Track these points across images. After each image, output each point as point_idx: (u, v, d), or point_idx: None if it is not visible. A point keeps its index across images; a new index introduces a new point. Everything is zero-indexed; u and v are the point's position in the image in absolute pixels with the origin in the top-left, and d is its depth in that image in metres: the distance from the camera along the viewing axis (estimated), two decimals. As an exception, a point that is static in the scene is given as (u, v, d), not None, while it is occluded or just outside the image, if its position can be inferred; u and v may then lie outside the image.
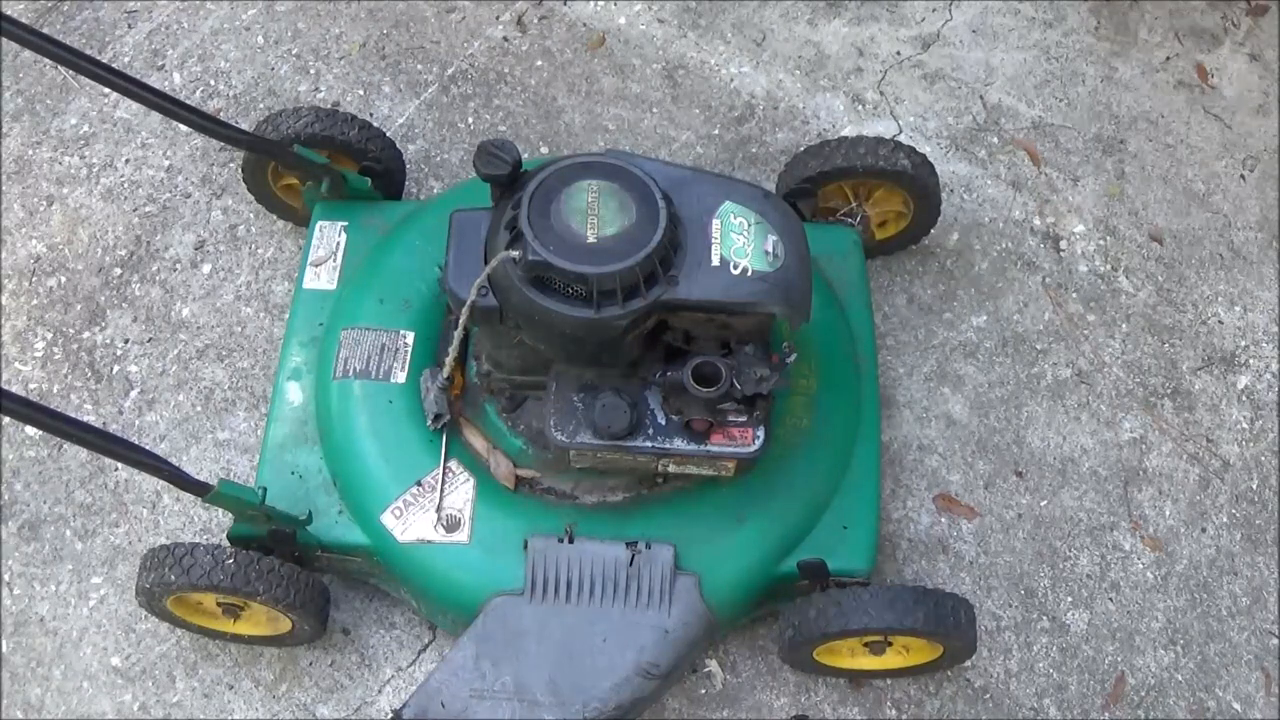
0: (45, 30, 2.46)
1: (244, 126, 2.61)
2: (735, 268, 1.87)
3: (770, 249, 1.89)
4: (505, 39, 3.00)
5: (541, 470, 2.16)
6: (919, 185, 2.43)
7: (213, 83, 2.90)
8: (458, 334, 1.99)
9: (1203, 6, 3.16)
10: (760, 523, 2.13)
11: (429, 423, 2.15)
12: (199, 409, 2.52)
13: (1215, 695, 2.34)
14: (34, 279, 2.65)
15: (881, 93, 2.96)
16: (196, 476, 1.94)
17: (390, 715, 2.04)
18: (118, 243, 2.69)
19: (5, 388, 1.69)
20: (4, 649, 2.31)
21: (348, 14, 3.01)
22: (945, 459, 2.52)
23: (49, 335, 2.59)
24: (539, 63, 2.97)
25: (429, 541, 2.09)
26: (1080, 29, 3.10)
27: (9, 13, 1.93)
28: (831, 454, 2.21)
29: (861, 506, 2.19)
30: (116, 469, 2.45)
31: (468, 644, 2.04)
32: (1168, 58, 3.06)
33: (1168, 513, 2.51)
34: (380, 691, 2.29)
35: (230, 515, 2.10)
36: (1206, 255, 2.80)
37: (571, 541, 2.07)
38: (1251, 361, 2.67)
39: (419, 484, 2.12)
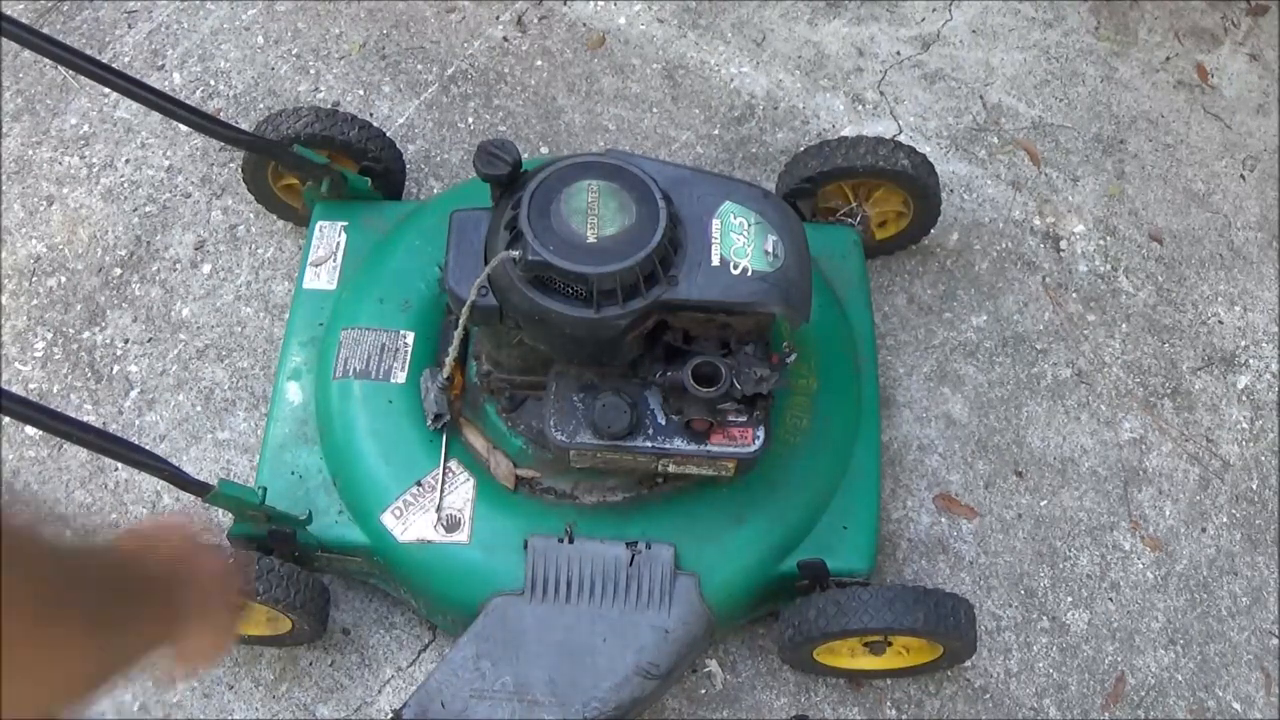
0: (45, 30, 2.45)
1: (244, 126, 2.61)
2: (735, 268, 1.86)
3: (770, 249, 1.89)
4: (505, 39, 3.00)
5: (541, 470, 2.16)
6: (919, 185, 2.43)
7: (213, 83, 2.90)
8: (458, 334, 1.99)
9: (1203, 6, 3.15)
10: (760, 523, 2.12)
11: (429, 423, 2.15)
12: (199, 409, 2.52)
13: (1215, 695, 2.34)
14: (34, 279, 2.65)
15: (881, 93, 2.96)
16: (196, 476, 1.94)
17: (390, 715, 2.04)
18: (118, 243, 2.69)
19: (5, 388, 1.69)
20: (4, 649, 2.30)
21: (348, 14, 3.01)
22: (945, 459, 2.52)
23: (49, 335, 2.59)
24: (539, 63, 2.96)
25: (429, 541, 2.09)
26: (1080, 29, 3.09)
27: (9, 13, 1.93)
28: (831, 454, 2.21)
29: (861, 506, 2.19)
30: (116, 469, 2.44)
31: (468, 644, 2.03)
32: (1168, 58, 3.06)
33: (1168, 513, 2.50)
34: (380, 691, 2.29)
35: (230, 515, 2.10)
36: (1206, 255, 2.80)
37: (571, 541, 2.07)
38: (1251, 361, 2.67)
39: (419, 484, 2.12)
